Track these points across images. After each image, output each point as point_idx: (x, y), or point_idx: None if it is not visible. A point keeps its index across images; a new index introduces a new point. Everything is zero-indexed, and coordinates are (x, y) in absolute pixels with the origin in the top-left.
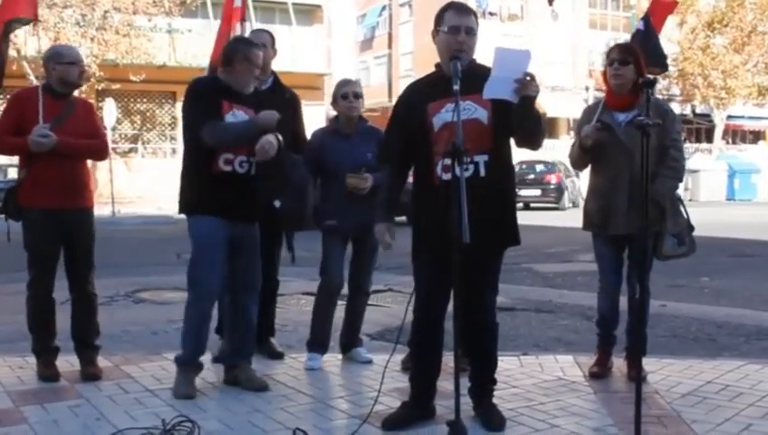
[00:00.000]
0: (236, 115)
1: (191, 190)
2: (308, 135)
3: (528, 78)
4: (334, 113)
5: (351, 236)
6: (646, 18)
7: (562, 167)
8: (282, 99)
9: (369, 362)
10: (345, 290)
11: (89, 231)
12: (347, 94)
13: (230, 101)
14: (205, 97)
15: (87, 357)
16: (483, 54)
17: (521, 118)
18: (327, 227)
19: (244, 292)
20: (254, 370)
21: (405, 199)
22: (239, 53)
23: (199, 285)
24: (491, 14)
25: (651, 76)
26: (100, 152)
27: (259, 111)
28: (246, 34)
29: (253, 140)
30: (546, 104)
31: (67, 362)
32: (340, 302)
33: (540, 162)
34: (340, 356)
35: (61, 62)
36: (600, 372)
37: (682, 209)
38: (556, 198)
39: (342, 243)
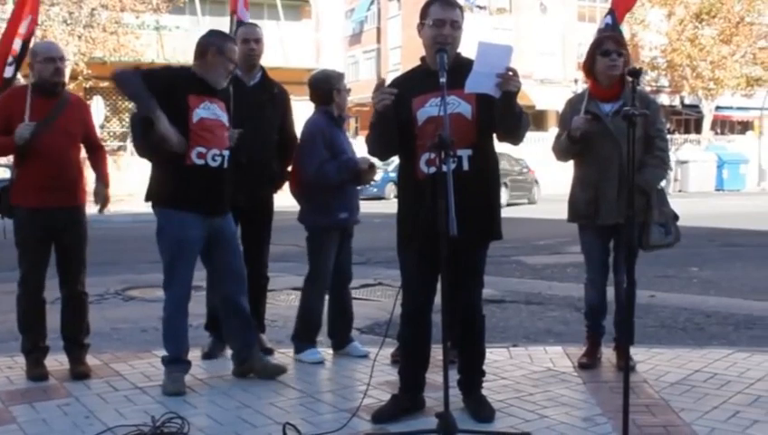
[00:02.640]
0: (209, 108)
1: (163, 182)
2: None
3: (510, 73)
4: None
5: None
6: (611, 13)
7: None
8: (270, 94)
9: (366, 356)
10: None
11: (79, 230)
12: (345, 87)
13: (200, 95)
14: (161, 78)
15: (76, 355)
16: (471, 48)
17: (502, 113)
18: (340, 220)
19: (234, 285)
20: (266, 357)
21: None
22: (212, 45)
23: (179, 284)
24: (479, 7)
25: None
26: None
27: (240, 107)
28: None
29: (141, 111)
30: (535, 97)
31: (56, 361)
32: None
33: (519, 159)
34: (330, 350)
35: (36, 60)
36: (589, 363)
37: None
38: (530, 190)
39: (338, 238)
